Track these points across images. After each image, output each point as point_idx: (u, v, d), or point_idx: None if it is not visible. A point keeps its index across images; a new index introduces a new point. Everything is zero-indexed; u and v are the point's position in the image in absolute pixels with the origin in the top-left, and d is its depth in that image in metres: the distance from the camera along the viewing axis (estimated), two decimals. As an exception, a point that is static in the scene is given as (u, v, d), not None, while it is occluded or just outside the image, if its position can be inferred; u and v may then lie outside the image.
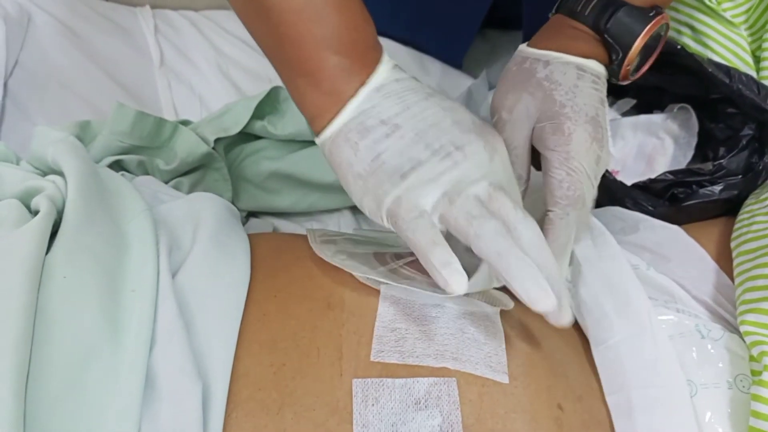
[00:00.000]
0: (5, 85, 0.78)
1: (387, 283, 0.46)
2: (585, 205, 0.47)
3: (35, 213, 0.46)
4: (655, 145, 0.68)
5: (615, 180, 0.63)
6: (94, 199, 0.46)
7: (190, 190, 0.70)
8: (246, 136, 0.74)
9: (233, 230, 0.51)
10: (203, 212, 0.51)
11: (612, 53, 0.50)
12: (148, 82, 0.84)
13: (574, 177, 0.47)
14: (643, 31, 0.49)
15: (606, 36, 0.50)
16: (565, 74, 0.49)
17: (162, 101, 0.82)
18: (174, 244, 0.47)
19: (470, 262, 0.43)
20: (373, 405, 0.40)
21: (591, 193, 0.48)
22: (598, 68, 0.50)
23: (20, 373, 0.35)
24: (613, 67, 0.51)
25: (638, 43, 0.49)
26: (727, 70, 0.61)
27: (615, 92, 0.72)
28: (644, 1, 0.51)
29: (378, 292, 0.46)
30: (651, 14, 0.50)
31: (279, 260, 0.50)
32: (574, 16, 0.51)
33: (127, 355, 0.38)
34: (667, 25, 0.52)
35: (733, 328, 0.49)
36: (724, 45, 0.69)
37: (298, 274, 0.48)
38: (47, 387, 0.36)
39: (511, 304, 0.47)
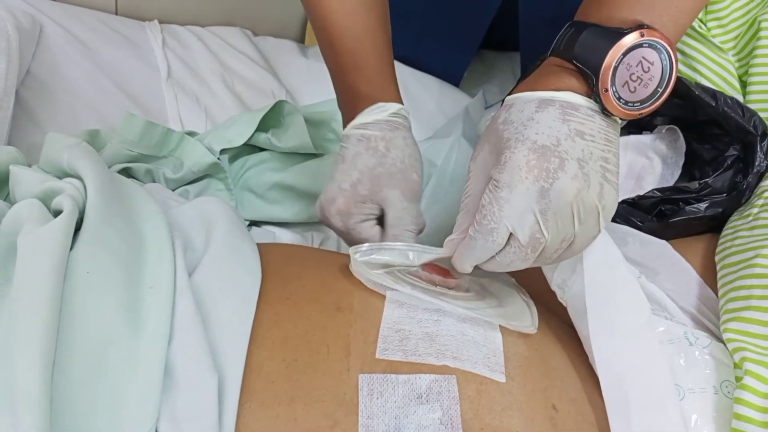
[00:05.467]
0: (16, 92, 0.80)
1: (395, 289, 0.48)
2: (494, 240, 0.45)
3: (55, 212, 0.48)
4: (644, 165, 0.71)
5: (606, 196, 0.65)
6: (111, 200, 0.49)
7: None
8: (250, 147, 0.77)
9: (243, 234, 0.53)
10: (215, 216, 0.53)
11: (589, 80, 0.45)
12: (156, 94, 0.86)
13: (494, 209, 0.44)
14: (611, 47, 0.44)
15: (574, 62, 0.46)
16: (522, 112, 0.46)
17: (168, 112, 0.85)
18: (188, 245, 0.49)
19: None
20: (377, 398, 0.42)
21: (524, 227, 0.44)
22: (572, 99, 0.45)
23: (47, 361, 0.37)
24: (596, 97, 0.45)
25: (608, 61, 0.44)
26: (713, 94, 0.65)
27: (607, 113, 0.75)
28: (625, 20, 0.46)
29: (384, 296, 0.49)
30: (625, 31, 0.45)
31: (290, 267, 0.53)
32: (554, 53, 0.48)
33: (146, 346, 0.41)
34: (658, 45, 0.45)
35: (718, 338, 0.52)
36: (713, 69, 0.73)
37: (308, 280, 0.51)
38: (71, 373, 0.38)
39: (533, 330, 0.49)
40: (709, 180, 0.62)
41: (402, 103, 0.60)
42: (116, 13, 0.96)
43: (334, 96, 0.64)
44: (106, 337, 0.40)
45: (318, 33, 0.62)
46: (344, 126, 0.60)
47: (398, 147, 0.57)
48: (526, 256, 0.45)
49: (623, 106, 0.45)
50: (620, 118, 0.47)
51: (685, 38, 0.74)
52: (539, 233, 0.44)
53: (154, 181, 0.71)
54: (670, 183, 0.69)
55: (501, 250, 0.45)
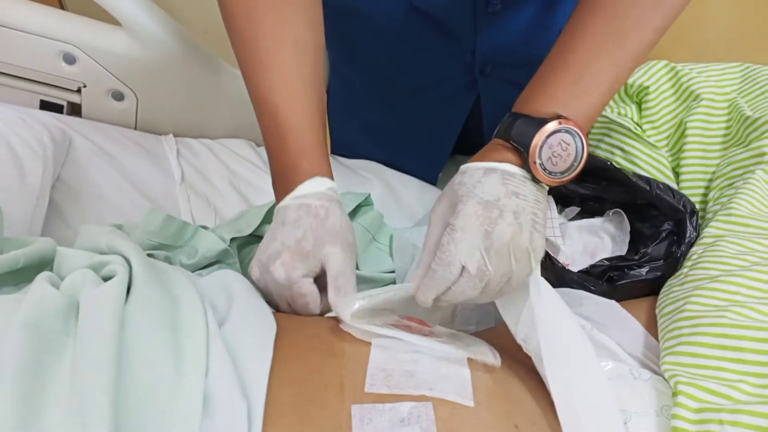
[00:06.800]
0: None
1: (379, 334, 0.58)
2: (450, 272, 0.56)
3: (104, 278, 0.58)
4: (597, 243, 0.82)
5: (564, 268, 0.76)
6: (151, 270, 0.59)
7: (208, 282, 0.82)
8: (256, 237, 0.87)
9: (258, 295, 0.63)
10: (233, 284, 0.63)
11: (522, 156, 0.59)
12: (171, 196, 0.97)
13: (450, 247, 0.56)
14: (537, 132, 0.58)
15: (511, 142, 0.59)
16: (472, 176, 0.59)
17: (182, 212, 0.95)
18: (213, 307, 0.59)
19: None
20: (368, 424, 0.50)
21: (473, 260, 0.55)
22: (510, 169, 0.59)
23: (113, 388, 0.45)
24: (527, 169, 0.59)
25: (535, 142, 0.58)
26: (647, 180, 0.77)
27: (563, 202, 0.87)
28: (547, 113, 0.59)
29: (370, 344, 0.58)
30: (548, 120, 0.58)
31: (292, 324, 0.62)
32: (497, 135, 0.62)
33: (187, 380, 0.49)
34: (572, 131, 0.58)
35: (659, 375, 0.61)
36: (649, 163, 0.85)
37: (310, 333, 0.61)
38: (128, 401, 0.46)
39: (497, 363, 0.58)
40: (648, 249, 0.73)
41: (333, 180, 0.70)
42: (135, 128, 1.09)
43: None
44: (156, 373, 0.49)
45: (263, 117, 0.70)
46: (280, 199, 0.69)
47: (335, 214, 0.66)
48: (475, 285, 0.56)
49: (548, 175, 0.59)
50: (546, 185, 0.60)
51: (625, 138, 0.87)
52: (484, 266, 0.56)
53: (171, 266, 0.81)
54: (619, 257, 0.79)
55: (456, 281, 0.56)
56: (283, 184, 0.69)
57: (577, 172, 0.60)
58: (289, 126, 0.69)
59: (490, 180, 0.58)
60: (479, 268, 0.56)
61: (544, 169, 0.58)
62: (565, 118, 0.59)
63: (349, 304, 0.62)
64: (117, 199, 0.94)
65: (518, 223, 0.56)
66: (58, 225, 0.90)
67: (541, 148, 0.58)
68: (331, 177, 0.70)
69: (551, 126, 0.58)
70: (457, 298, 0.58)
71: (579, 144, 0.59)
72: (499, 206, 0.56)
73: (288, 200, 0.68)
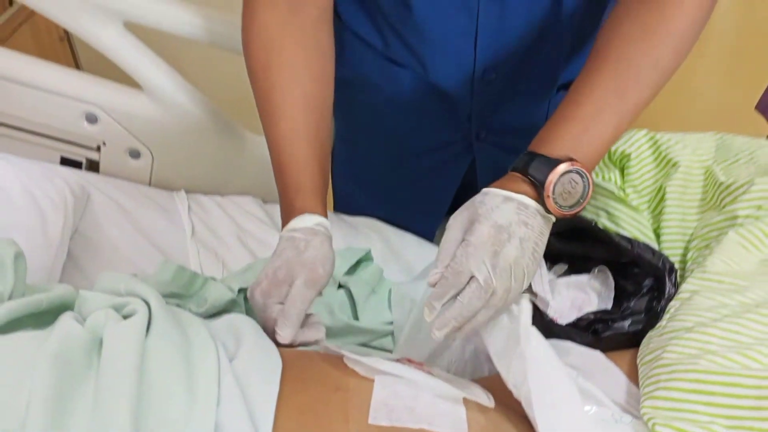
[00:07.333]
0: (67, 246, 0.96)
1: (383, 371, 0.63)
2: (459, 280, 0.63)
3: (125, 317, 0.63)
4: (584, 299, 0.87)
5: (552, 321, 0.81)
6: (167, 309, 0.64)
7: (216, 330, 0.87)
8: (262, 288, 0.92)
9: (265, 336, 0.68)
10: (241, 325, 0.68)
11: (538, 190, 0.67)
12: (181, 250, 1.03)
13: (463, 259, 0.64)
14: (551, 171, 0.66)
15: (529, 177, 0.67)
16: (493, 200, 0.66)
17: (192, 264, 1.01)
18: (223, 346, 0.64)
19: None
20: (371, 453, 0.55)
21: (482, 272, 0.63)
22: (525, 201, 0.66)
23: (134, 414, 0.50)
24: (541, 201, 0.67)
25: (550, 179, 0.66)
26: (629, 240, 0.83)
27: (553, 260, 0.93)
28: (560, 155, 0.68)
29: (373, 380, 0.63)
30: (561, 161, 0.67)
31: (299, 360, 0.67)
32: (514, 169, 0.70)
33: (200, 409, 0.54)
34: (581, 172, 0.67)
35: (639, 419, 0.65)
36: (632, 224, 0.91)
37: (316, 369, 0.65)
38: (145, 425, 0.51)
39: (491, 404, 0.63)
40: (630, 304, 0.78)
41: (326, 217, 0.78)
42: (150, 185, 1.15)
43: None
44: (172, 401, 0.54)
45: (273, 159, 0.80)
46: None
47: (314, 247, 0.74)
48: (481, 295, 0.63)
49: (559, 208, 0.67)
50: (555, 216, 0.68)
51: (609, 201, 0.93)
52: (490, 280, 0.63)
53: (182, 314, 0.86)
54: (605, 311, 0.84)
55: (463, 290, 0.64)
56: (284, 219, 0.79)
57: (583, 205, 0.69)
58: (290, 169, 0.79)
59: (507, 207, 0.66)
60: (485, 280, 0.63)
61: (556, 203, 0.67)
62: (575, 160, 0.68)
63: (286, 330, 0.71)
64: (131, 252, 1.00)
65: (522, 248, 0.65)
66: (74, 275, 0.95)
67: (555, 185, 0.67)
68: (322, 213, 0.78)
69: (563, 167, 0.67)
70: (464, 312, 0.64)
71: (585, 183, 0.68)
72: (509, 231, 0.65)
73: (282, 233, 0.77)
